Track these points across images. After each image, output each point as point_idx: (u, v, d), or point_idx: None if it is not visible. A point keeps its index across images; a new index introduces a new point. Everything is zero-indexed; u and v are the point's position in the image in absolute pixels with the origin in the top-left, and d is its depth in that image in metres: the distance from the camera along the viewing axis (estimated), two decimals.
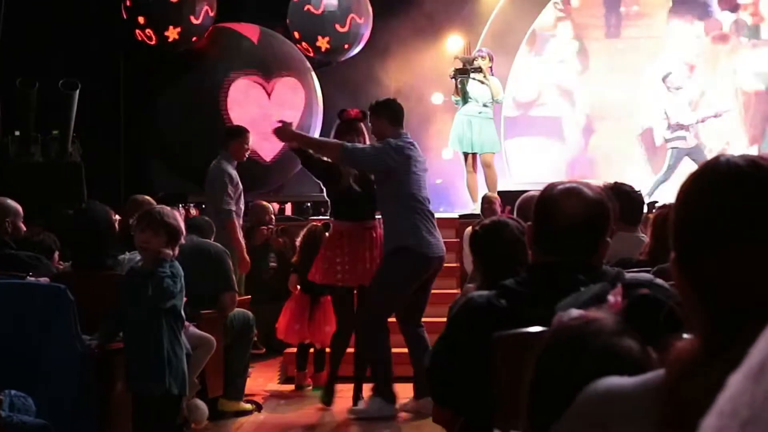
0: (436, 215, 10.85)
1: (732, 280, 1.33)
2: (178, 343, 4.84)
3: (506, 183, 11.97)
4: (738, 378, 0.80)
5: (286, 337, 7.77)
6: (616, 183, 5.18)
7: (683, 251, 1.40)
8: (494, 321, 2.66)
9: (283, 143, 7.27)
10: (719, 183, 1.39)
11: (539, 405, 1.70)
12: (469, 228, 8.83)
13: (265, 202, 9.91)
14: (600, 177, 11.64)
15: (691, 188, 1.44)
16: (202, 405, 6.17)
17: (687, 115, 11.86)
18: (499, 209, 8.47)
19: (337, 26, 11.57)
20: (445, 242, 9.36)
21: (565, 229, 2.72)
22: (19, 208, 6.09)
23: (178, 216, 5.01)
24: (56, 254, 6.53)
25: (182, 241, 4.98)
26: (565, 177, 11.82)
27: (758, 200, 1.36)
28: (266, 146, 10.72)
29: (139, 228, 4.86)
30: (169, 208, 5.14)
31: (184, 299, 5.57)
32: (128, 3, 10.76)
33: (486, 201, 9.03)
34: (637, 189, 5.24)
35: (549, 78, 12.26)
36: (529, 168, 12.29)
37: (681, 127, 11.78)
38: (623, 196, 4.92)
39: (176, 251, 4.91)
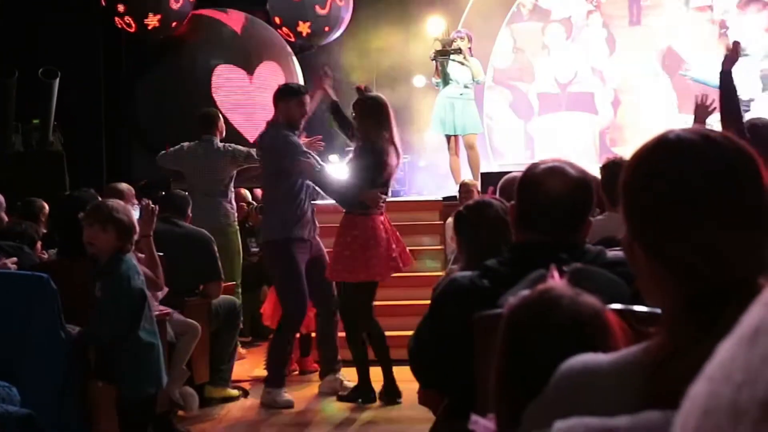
0: (420, 198, 10.94)
1: (706, 258, 1.33)
2: (142, 340, 4.69)
3: (490, 165, 11.99)
4: (728, 345, 0.80)
5: (273, 323, 7.76)
6: (614, 160, 5.01)
7: (649, 233, 1.39)
8: (477, 301, 2.66)
9: None
10: (677, 160, 1.37)
11: (516, 382, 1.71)
12: (450, 218, 8.86)
13: (242, 189, 9.94)
14: (627, 142, 13.16)
15: (645, 168, 1.41)
16: (193, 392, 6.18)
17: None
18: (478, 196, 8.43)
19: (318, 8, 11.53)
20: (428, 224, 9.45)
21: (547, 207, 2.72)
22: (2, 198, 6.05)
23: (129, 211, 4.82)
24: (38, 244, 6.51)
25: (136, 237, 4.78)
26: (598, 143, 13.85)
27: (718, 175, 1.35)
28: (249, 127, 10.83)
29: (86, 223, 4.67)
30: (121, 202, 5.01)
31: (165, 290, 5.55)
32: None
33: (464, 188, 9.00)
34: None
35: (583, 60, 14.21)
36: (568, 135, 13.86)
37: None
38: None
39: (131, 247, 4.77)
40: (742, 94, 11.75)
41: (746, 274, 1.32)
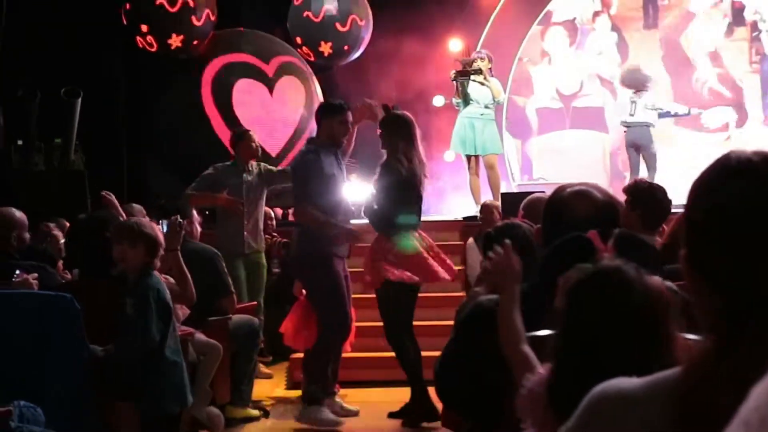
0: (440, 218, 10.91)
1: (749, 276, 1.33)
2: (167, 358, 4.74)
3: (510, 185, 11.97)
4: (762, 390, 0.80)
5: (294, 343, 7.75)
6: (649, 185, 5.01)
7: (697, 248, 1.40)
8: None
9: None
10: (730, 178, 1.39)
11: (579, 355, 1.75)
12: (471, 238, 8.83)
13: (266, 208, 9.94)
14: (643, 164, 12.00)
15: (700, 188, 1.43)
16: (219, 413, 6.18)
17: None
18: (498, 217, 8.40)
19: (338, 26, 11.57)
20: (449, 245, 9.40)
21: (574, 231, 2.72)
22: (25, 219, 6.06)
23: (156, 227, 4.93)
24: (60, 263, 6.52)
25: (162, 252, 4.88)
26: (609, 166, 12.60)
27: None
28: (270, 142, 10.85)
29: (115, 240, 4.78)
30: (146, 219, 5.08)
31: (183, 309, 5.55)
32: (128, 6, 10.76)
33: (485, 209, 8.97)
34: (667, 194, 4.95)
35: (590, 70, 12.73)
36: (573, 157, 12.60)
37: None
38: (648, 200, 4.80)
39: (158, 263, 4.85)
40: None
41: None
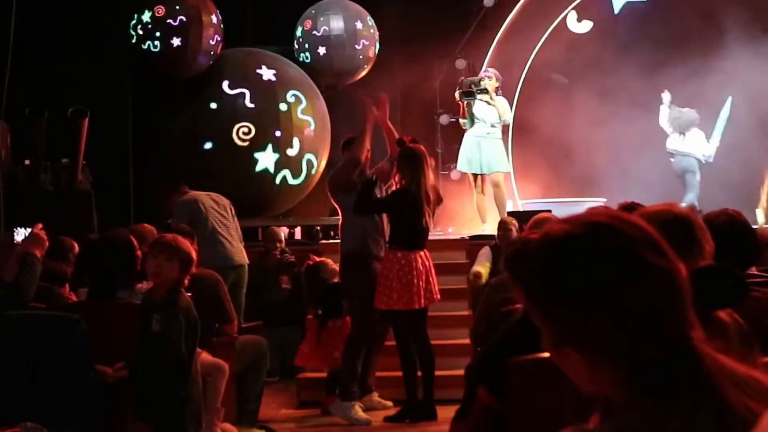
0: (446, 237, 10.89)
1: (648, 346, 1.33)
2: (192, 378, 4.76)
3: (516, 203, 11.95)
4: None
5: (313, 364, 7.84)
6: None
7: (587, 333, 1.36)
8: None
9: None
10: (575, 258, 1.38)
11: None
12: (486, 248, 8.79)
13: (275, 228, 9.99)
14: None
15: (560, 272, 1.39)
16: (233, 429, 6.18)
17: None
18: (515, 234, 8.34)
19: (344, 45, 11.62)
20: (455, 263, 9.38)
21: None
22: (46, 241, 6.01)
23: (189, 245, 4.96)
24: (67, 284, 6.51)
25: (194, 269, 4.91)
26: None
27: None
28: None
29: (151, 254, 4.79)
30: (180, 236, 5.09)
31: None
32: (139, 30, 10.83)
33: (503, 226, 8.93)
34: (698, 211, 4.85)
35: None
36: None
37: None
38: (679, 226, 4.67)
39: (187, 281, 4.86)
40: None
41: (683, 343, 1.34)
